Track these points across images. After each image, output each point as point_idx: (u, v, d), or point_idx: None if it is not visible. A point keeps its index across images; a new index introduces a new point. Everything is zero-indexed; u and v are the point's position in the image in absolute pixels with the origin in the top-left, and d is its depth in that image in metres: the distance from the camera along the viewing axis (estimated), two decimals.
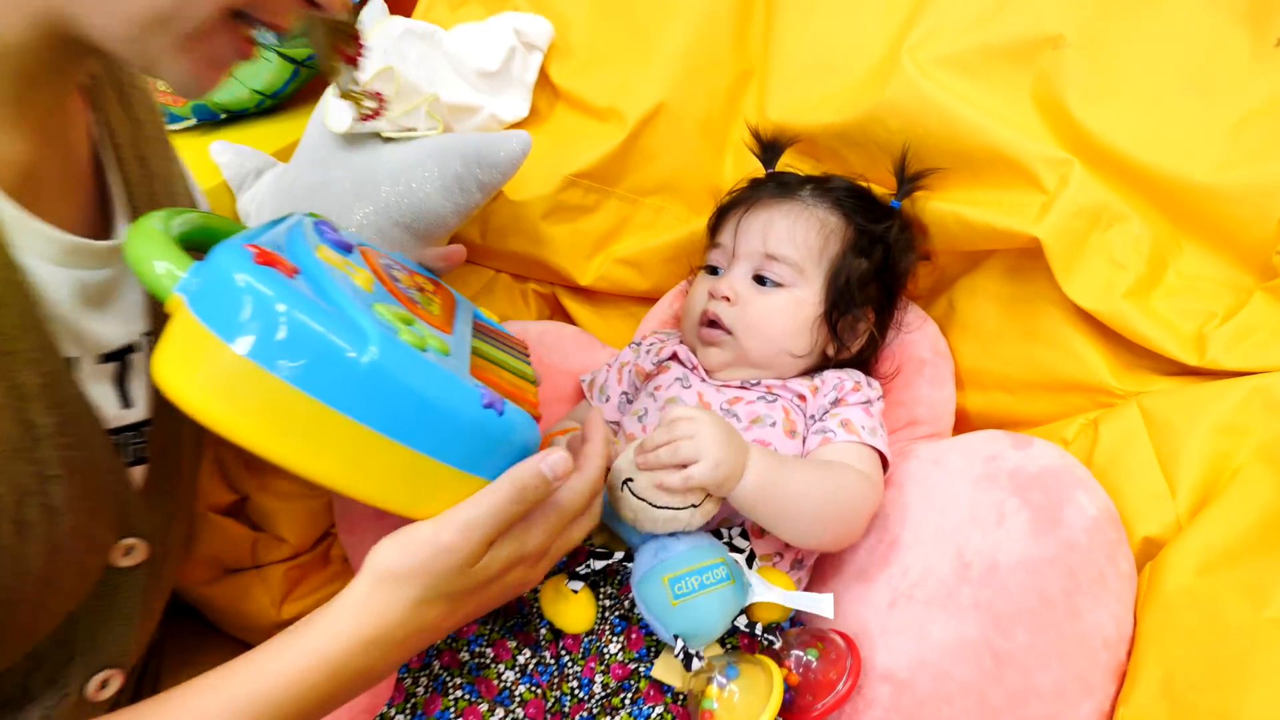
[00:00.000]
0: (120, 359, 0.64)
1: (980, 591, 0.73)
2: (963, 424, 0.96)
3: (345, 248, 0.63)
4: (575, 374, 1.04)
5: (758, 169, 1.07)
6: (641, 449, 0.70)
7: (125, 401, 0.65)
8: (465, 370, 0.60)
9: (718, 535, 0.75)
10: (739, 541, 0.76)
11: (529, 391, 0.71)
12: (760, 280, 0.88)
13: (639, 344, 1.00)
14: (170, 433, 0.69)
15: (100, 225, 0.66)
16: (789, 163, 1.01)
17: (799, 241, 0.88)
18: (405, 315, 0.57)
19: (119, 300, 0.64)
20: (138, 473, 0.66)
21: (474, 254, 1.11)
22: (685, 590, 0.67)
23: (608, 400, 0.96)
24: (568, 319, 1.16)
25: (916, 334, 0.97)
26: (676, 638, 0.69)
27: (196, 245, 0.61)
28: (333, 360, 0.49)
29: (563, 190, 1.07)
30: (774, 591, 0.71)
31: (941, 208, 0.93)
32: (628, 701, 0.73)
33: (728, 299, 0.87)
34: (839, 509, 0.77)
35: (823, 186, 0.93)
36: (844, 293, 0.88)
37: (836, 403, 0.85)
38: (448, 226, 0.99)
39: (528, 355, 0.81)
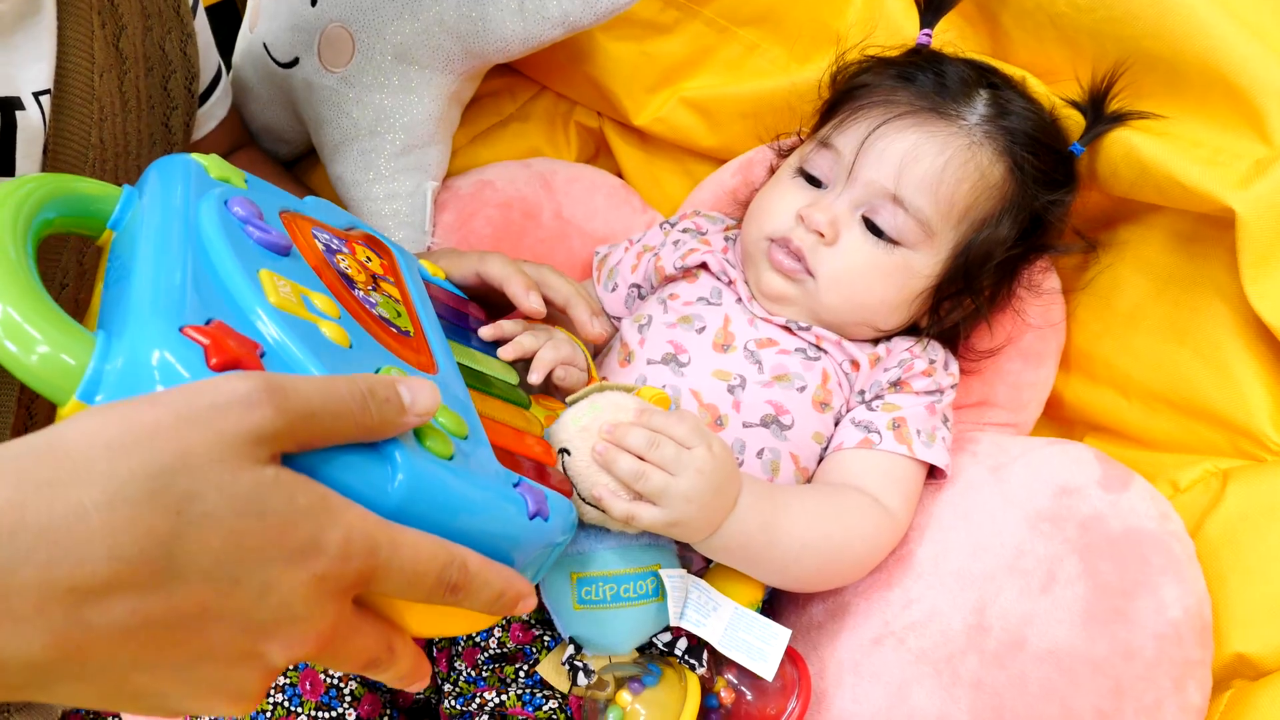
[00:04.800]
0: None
1: (990, 671, 0.56)
2: (1051, 412, 0.75)
3: (281, 250, 0.45)
4: (596, 239, 0.85)
5: (893, 15, 0.81)
6: (607, 429, 0.52)
7: (6, 171, 0.54)
8: (487, 449, 0.45)
9: None
10: None
11: (528, 421, 0.54)
12: (871, 226, 0.65)
13: (673, 223, 0.79)
14: None
15: None
16: (940, 29, 0.75)
17: (943, 194, 0.63)
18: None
19: (6, 37, 0.54)
20: None
21: (515, 60, 0.90)
22: (593, 597, 0.53)
23: (614, 289, 0.77)
24: (611, 164, 0.95)
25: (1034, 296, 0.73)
26: (571, 641, 0.55)
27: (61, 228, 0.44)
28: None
29: None
30: (710, 622, 0.55)
31: (1111, 132, 0.67)
32: (521, 675, 0.60)
33: (822, 235, 0.65)
34: (837, 565, 0.60)
35: (1002, 113, 0.66)
36: (971, 271, 0.66)
37: (897, 385, 0.65)
38: (505, 54, 0.79)
39: (483, 316, 0.63)
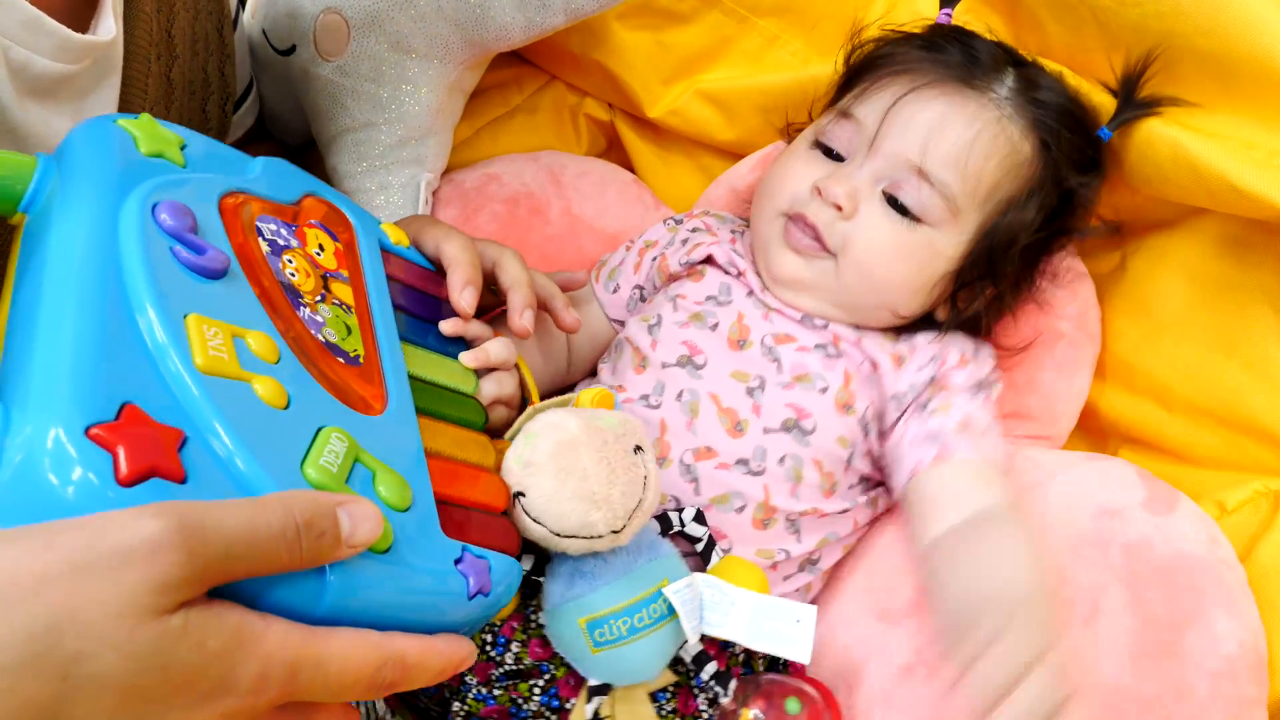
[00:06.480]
0: None
1: None
2: (1085, 424, 0.72)
3: (215, 274, 0.40)
4: (607, 236, 0.81)
5: (919, 6, 0.77)
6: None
7: None
8: (430, 516, 0.42)
9: (663, 522, 0.56)
10: (693, 528, 0.57)
11: (482, 449, 0.50)
12: (893, 202, 0.61)
13: (680, 221, 0.75)
14: None
15: (81, 10, 0.53)
16: (965, 19, 0.71)
17: (971, 169, 0.60)
18: (347, 459, 0.39)
19: (80, 99, 0.54)
20: None
21: (522, 49, 0.86)
22: (609, 636, 0.49)
23: (616, 290, 0.73)
24: (623, 158, 0.91)
25: (1060, 291, 0.70)
26: (592, 693, 0.52)
27: None
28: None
29: None
30: (731, 620, 0.52)
31: (1157, 131, 0.64)
32: (536, 692, 0.57)
33: (840, 208, 0.61)
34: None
35: (1031, 88, 0.63)
36: (995, 256, 0.62)
37: (934, 383, 0.62)
38: (507, 43, 0.75)
39: (440, 293, 0.58)
